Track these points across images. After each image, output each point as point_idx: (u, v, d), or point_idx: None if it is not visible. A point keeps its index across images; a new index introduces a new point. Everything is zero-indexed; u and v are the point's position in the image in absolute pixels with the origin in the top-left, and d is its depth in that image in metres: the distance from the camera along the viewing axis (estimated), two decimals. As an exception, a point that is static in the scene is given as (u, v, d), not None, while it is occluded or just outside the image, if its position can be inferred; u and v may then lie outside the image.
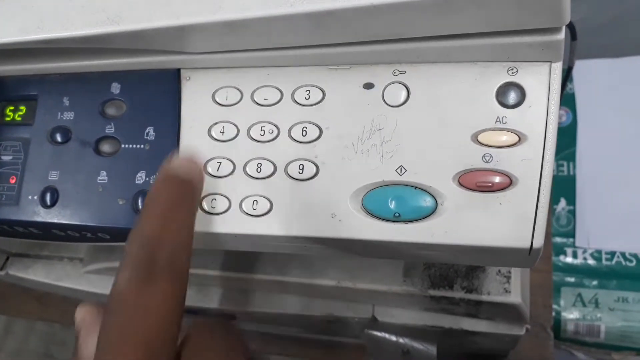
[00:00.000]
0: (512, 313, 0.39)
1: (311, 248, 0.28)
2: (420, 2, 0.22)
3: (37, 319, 0.69)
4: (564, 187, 0.70)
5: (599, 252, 0.67)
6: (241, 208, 0.27)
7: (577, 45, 0.46)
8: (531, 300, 0.54)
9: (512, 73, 0.25)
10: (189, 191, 0.23)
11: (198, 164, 0.25)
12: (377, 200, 0.25)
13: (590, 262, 0.67)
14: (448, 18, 0.23)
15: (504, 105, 0.25)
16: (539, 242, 0.23)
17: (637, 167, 0.68)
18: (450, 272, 0.38)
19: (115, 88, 0.30)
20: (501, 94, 0.25)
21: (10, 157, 0.31)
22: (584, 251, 0.68)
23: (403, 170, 0.25)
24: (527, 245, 0.23)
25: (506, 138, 0.24)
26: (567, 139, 0.72)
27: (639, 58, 0.72)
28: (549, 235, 0.68)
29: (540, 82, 0.24)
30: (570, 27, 0.43)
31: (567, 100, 0.74)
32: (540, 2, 0.21)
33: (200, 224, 0.27)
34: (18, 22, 0.27)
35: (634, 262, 0.65)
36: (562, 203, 0.70)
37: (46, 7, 0.27)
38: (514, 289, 0.37)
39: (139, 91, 0.29)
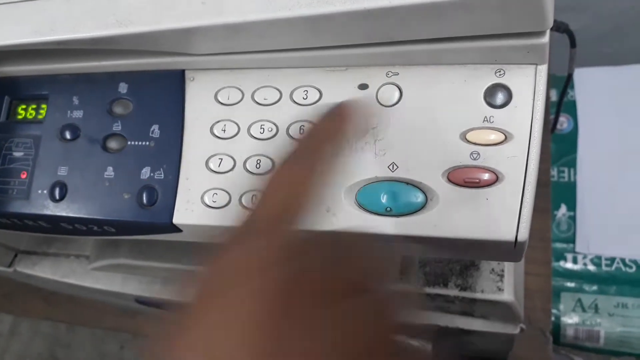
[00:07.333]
0: (506, 311, 0.39)
1: (307, 242, 0.29)
2: (411, 6, 0.23)
3: (43, 318, 0.70)
4: (564, 193, 0.70)
5: (599, 257, 0.67)
6: (241, 202, 0.28)
7: (579, 53, 0.47)
8: (531, 305, 0.54)
9: (500, 75, 0.26)
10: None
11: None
12: (370, 196, 0.26)
13: (590, 267, 0.67)
14: (438, 22, 0.24)
15: (492, 105, 0.26)
16: (523, 235, 0.24)
17: (638, 174, 0.68)
18: (445, 271, 0.39)
19: (123, 88, 0.31)
20: (489, 95, 0.26)
21: (22, 154, 0.32)
22: (584, 257, 0.68)
23: (395, 167, 0.26)
24: (512, 238, 0.24)
25: (493, 137, 0.25)
26: (567, 145, 0.72)
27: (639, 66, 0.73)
28: (548, 240, 0.68)
29: (526, 83, 0.25)
30: (570, 34, 0.44)
31: (568, 107, 0.74)
32: (523, 7, 0.22)
33: (201, 217, 0.28)
34: (32, 24, 0.29)
35: (634, 268, 0.65)
36: (563, 209, 0.70)
37: (58, 10, 0.29)
38: (506, 287, 0.37)
39: (145, 91, 0.31)
